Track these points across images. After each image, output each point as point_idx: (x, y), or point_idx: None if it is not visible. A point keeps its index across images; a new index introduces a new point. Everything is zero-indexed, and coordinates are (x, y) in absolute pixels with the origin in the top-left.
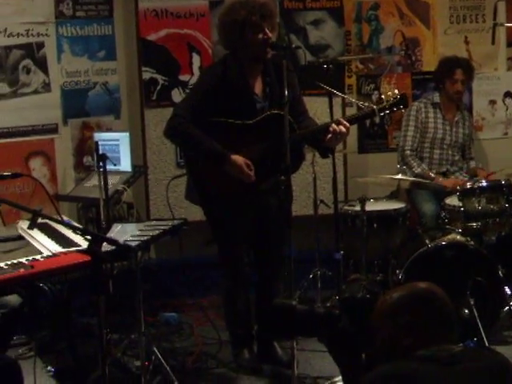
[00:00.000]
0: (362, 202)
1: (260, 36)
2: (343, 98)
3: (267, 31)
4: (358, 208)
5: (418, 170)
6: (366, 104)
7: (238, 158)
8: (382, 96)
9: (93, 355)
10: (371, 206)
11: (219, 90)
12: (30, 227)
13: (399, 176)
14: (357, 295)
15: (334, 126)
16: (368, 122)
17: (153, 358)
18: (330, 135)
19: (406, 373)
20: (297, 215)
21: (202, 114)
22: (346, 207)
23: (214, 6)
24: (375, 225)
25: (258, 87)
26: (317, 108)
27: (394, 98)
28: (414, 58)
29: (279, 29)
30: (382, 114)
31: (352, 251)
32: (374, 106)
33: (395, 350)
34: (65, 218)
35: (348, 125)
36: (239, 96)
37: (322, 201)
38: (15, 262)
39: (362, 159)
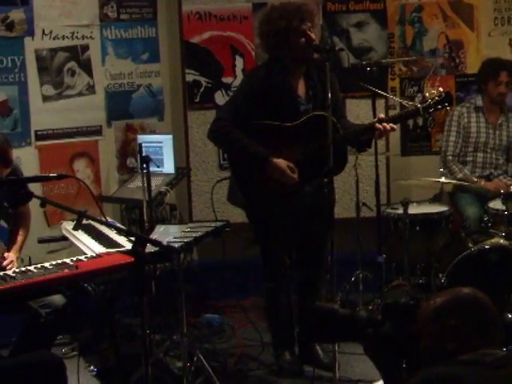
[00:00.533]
0: (405, 204)
1: (303, 39)
2: (386, 101)
3: (309, 33)
4: (400, 211)
5: (460, 176)
6: (411, 103)
7: (281, 162)
8: (426, 94)
9: (135, 355)
10: (414, 209)
11: (262, 93)
12: (75, 228)
13: (442, 179)
14: (400, 300)
15: (377, 125)
16: (411, 124)
17: (195, 359)
18: (377, 133)
19: (452, 376)
20: (339, 218)
21: (245, 116)
22: (388, 210)
23: (257, 9)
24: (418, 228)
25: (301, 90)
26: (360, 111)
27: (438, 96)
28: (457, 61)
29: (322, 31)
30: (426, 112)
31: (394, 254)
32: (419, 105)
33: (439, 354)
34: (109, 220)
35: (394, 126)
36: (283, 98)
37: (364, 203)
38: (59, 262)
39: (404, 162)
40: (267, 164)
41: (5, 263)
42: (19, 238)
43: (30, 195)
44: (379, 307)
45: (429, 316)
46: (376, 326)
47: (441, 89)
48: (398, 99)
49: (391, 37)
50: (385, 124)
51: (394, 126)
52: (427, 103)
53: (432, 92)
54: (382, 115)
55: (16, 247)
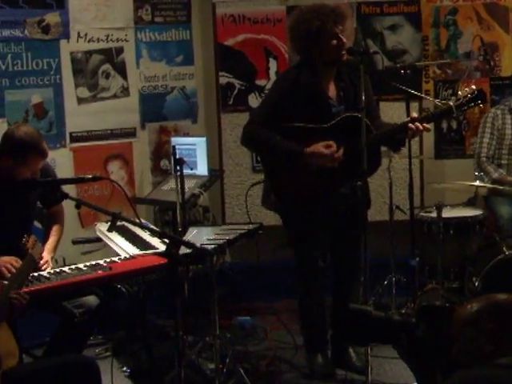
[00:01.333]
0: (439, 208)
1: (334, 42)
2: (420, 103)
3: (341, 37)
4: (434, 214)
5: (496, 175)
6: (444, 101)
7: (314, 146)
8: (459, 92)
9: (168, 357)
10: (448, 213)
11: (293, 96)
12: (110, 230)
13: (477, 183)
14: (436, 304)
15: (410, 125)
16: (445, 127)
17: (227, 361)
18: (410, 133)
19: (489, 379)
20: (372, 221)
21: (276, 119)
22: (422, 213)
23: (291, 11)
24: (451, 231)
25: (332, 91)
26: (393, 113)
27: (471, 94)
28: (492, 63)
29: (356, 34)
30: (459, 110)
31: (428, 258)
32: (451, 103)
33: (476, 357)
34: (142, 221)
35: (427, 126)
36: (314, 100)
37: (397, 207)
38: (93, 263)
39: (438, 165)
40: (303, 155)
41: (40, 264)
42: (53, 238)
43: (65, 196)
44: (412, 311)
45: (466, 319)
46: (410, 329)
47: (473, 86)
48: (431, 99)
49: (425, 39)
50: (417, 124)
51: (428, 126)
52: (460, 101)
53: (465, 90)
54: (415, 114)
55: (50, 247)
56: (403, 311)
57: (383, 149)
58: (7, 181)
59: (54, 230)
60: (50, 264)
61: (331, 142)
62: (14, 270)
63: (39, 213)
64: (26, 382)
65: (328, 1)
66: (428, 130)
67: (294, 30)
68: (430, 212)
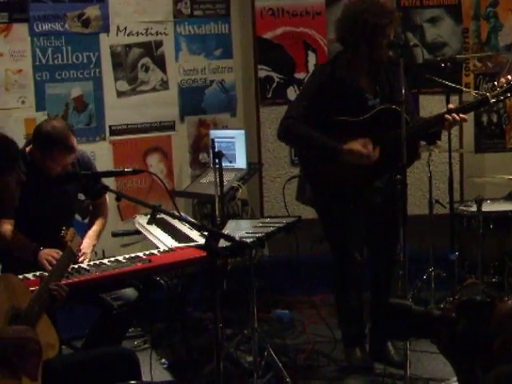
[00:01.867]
0: (479, 202)
1: (386, 41)
2: (460, 97)
3: (391, 36)
4: (474, 208)
5: None
6: (481, 92)
7: (352, 143)
8: (495, 83)
9: (206, 349)
10: (488, 207)
11: (330, 89)
12: (149, 222)
13: None
14: (476, 298)
15: (447, 116)
16: (485, 121)
17: (265, 354)
18: (446, 123)
19: None
20: (411, 215)
21: (312, 113)
22: (461, 207)
23: (331, 4)
24: (491, 226)
25: (367, 85)
26: (433, 107)
27: (508, 84)
28: None
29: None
30: (496, 100)
31: (467, 252)
32: (487, 93)
33: None
34: (182, 214)
35: (464, 116)
36: (349, 94)
37: (437, 200)
38: (133, 255)
39: (478, 159)
40: (340, 152)
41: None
42: (95, 227)
43: (106, 189)
44: (452, 305)
45: (507, 314)
46: (450, 324)
47: (509, 76)
48: (469, 90)
49: (466, 32)
50: (454, 114)
51: (464, 116)
52: (496, 91)
53: (501, 80)
54: (452, 105)
55: (92, 234)
56: (442, 306)
57: (423, 143)
58: (46, 173)
59: (98, 220)
60: (88, 256)
61: (368, 140)
62: (54, 262)
63: (80, 206)
64: (66, 373)
65: None
66: (465, 120)
67: (349, 20)
68: (470, 206)
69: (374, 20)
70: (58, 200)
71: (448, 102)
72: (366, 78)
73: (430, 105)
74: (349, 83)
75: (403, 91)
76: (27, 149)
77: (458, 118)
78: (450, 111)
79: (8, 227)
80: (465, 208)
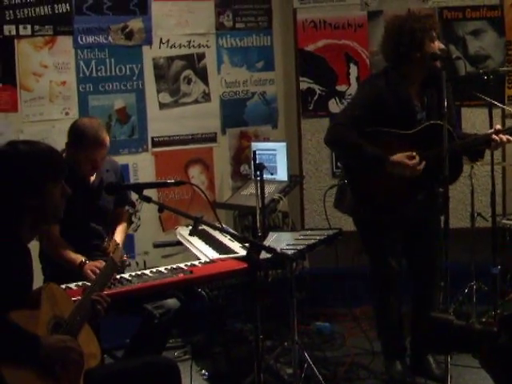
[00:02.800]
0: None
1: (435, 45)
2: (503, 110)
3: (441, 45)
4: None
5: None
6: None
7: (398, 155)
8: None
9: (246, 360)
10: None
11: (381, 102)
12: (191, 234)
13: None
14: None
15: (494, 136)
16: None
17: (305, 366)
18: (493, 144)
19: None
20: (453, 228)
21: (362, 124)
22: (504, 221)
23: (373, 17)
24: None
25: (417, 97)
26: (475, 119)
27: None
28: None
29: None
30: None
31: (510, 266)
32: None
33: None
34: (223, 226)
35: (510, 138)
36: (401, 107)
37: (479, 214)
38: (174, 266)
39: None
40: (386, 162)
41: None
42: (120, 235)
43: (149, 200)
44: (494, 319)
45: None
46: (492, 339)
47: None
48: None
49: (508, 44)
50: (501, 136)
51: (511, 138)
52: None
53: None
54: (499, 126)
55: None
56: (484, 320)
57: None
58: (84, 180)
59: (120, 228)
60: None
61: (414, 154)
62: (98, 272)
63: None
64: (107, 383)
65: (411, 6)
66: (510, 142)
67: (396, 33)
68: None
69: (418, 25)
70: (96, 207)
71: (491, 114)
72: (416, 90)
73: (473, 117)
74: (401, 96)
75: (445, 103)
76: (63, 155)
77: (505, 139)
78: (497, 132)
79: (56, 236)
80: (507, 221)
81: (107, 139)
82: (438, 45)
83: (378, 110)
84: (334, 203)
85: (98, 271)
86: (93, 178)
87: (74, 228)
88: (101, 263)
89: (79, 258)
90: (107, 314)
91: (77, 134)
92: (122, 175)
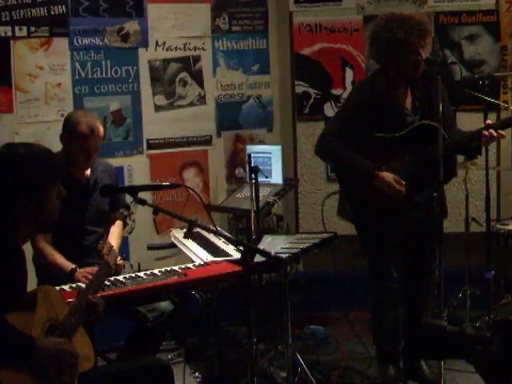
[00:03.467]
0: None
1: (413, 57)
2: (498, 114)
3: (420, 51)
4: (511, 227)
5: None
6: None
7: (387, 175)
8: None
9: (239, 363)
10: None
11: (369, 106)
12: (186, 236)
13: None
14: (510, 318)
15: (485, 131)
16: None
17: (299, 370)
18: (483, 139)
19: None
20: (448, 232)
21: (352, 129)
22: (498, 226)
23: (368, 21)
24: None
25: (407, 101)
26: (471, 124)
27: None
28: None
29: (433, 44)
30: None
31: (504, 271)
32: None
33: None
34: (218, 228)
35: (503, 133)
36: (389, 110)
37: (473, 218)
38: (168, 269)
39: None
40: (374, 178)
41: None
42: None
43: (143, 202)
44: (487, 324)
45: None
46: (485, 344)
47: None
48: (510, 106)
49: (504, 49)
50: (491, 130)
51: (503, 132)
52: None
53: None
54: (490, 121)
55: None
56: (477, 324)
57: (460, 160)
58: (77, 181)
59: (116, 232)
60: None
61: (400, 178)
62: (90, 277)
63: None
64: None
65: (407, 11)
66: (503, 136)
67: (377, 37)
68: (507, 224)
69: (400, 34)
70: (89, 208)
71: (486, 119)
72: (406, 94)
73: (468, 122)
74: (388, 99)
75: (440, 109)
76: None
77: (495, 134)
78: (488, 127)
79: (44, 243)
80: (501, 226)
81: (101, 130)
82: (417, 57)
83: (365, 116)
84: (337, 211)
85: (89, 276)
86: (88, 173)
87: (68, 229)
88: (92, 269)
89: (70, 265)
90: (102, 316)
91: (70, 123)
92: (116, 178)
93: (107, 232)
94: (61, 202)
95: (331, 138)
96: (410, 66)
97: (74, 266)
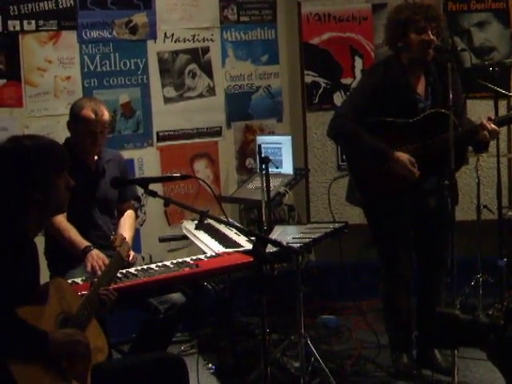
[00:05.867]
0: None
1: (422, 37)
2: (508, 101)
3: (430, 33)
4: None
5: None
6: None
7: (402, 155)
8: None
9: (252, 354)
10: None
11: (381, 90)
12: (197, 228)
13: None
14: None
15: (484, 122)
16: None
17: (311, 359)
18: (484, 132)
19: None
20: (459, 220)
21: (364, 113)
22: (510, 213)
23: (377, 9)
24: None
25: (420, 87)
26: (481, 112)
27: None
28: None
29: (443, 31)
30: None
31: None
32: None
33: None
34: (229, 220)
35: (495, 128)
36: (401, 95)
37: (485, 206)
38: (180, 260)
39: None
40: (389, 158)
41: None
42: (129, 234)
43: (154, 194)
44: (500, 312)
45: None
46: (498, 332)
47: None
48: None
49: None
50: (484, 122)
51: (494, 128)
52: None
53: None
54: (491, 116)
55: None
56: (490, 312)
57: (470, 148)
58: (85, 166)
59: (128, 224)
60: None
61: (414, 161)
62: (103, 268)
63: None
64: (114, 378)
65: None
66: (496, 131)
67: (388, 19)
68: None
69: (407, 17)
70: (99, 195)
71: (496, 106)
72: (420, 79)
73: (478, 109)
74: (400, 84)
75: (451, 96)
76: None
77: (489, 127)
78: (489, 119)
79: (61, 218)
80: None
81: (106, 113)
82: (425, 37)
83: (378, 99)
84: (346, 197)
85: (99, 266)
86: (95, 159)
87: (77, 217)
88: (104, 260)
89: (85, 242)
90: (115, 308)
91: (76, 107)
92: (125, 169)
93: (117, 223)
94: (76, 192)
95: (345, 119)
96: (418, 48)
97: (89, 244)
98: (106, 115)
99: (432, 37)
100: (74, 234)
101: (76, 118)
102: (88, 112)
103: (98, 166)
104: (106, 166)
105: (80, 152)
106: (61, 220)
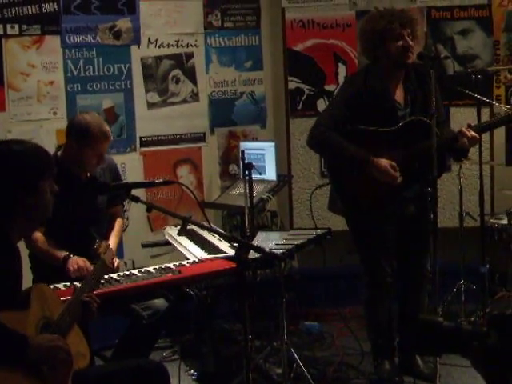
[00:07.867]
0: (510, 215)
1: (400, 43)
2: (491, 109)
3: (407, 38)
4: (504, 221)
5: None
6: (506, 108)
7: (382, 160)
8: None
9: (235, 360)
10: None
11: (360, 98)
12: (180, 233)
13: None
14: (507, 311)
15: (463, 129)
16: None
17: (294, 366)
18: (463, 139)
19: None
20: (442, 227)
21: (343, 122)
22: (492, 220)
23: (361, 16)
24: None
25: (399, 95)
26: (464, 119)
27: None
28: None
29: (426, 39)
30: None
31: (498, 265)
32: (510, 111)
33: None
34: (212, 225)
35: (475, 135)
36: (380, 104)
37: (467, 213)
38: (163, 266)
39: (509, 171)
40: (369, 164)
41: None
42: (114, 239)
43: (137, 200)
44: (483, 319)
45: None
46: (481, 339)
47: None
48: (503, 106)
49: (497, 44)
50: (464, 129)
51: (473, 134)
52: None
53: None
54: (470, 122)
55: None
56: (473, 319)
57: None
58: (77, 179)
59: (114, 230)
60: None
61: (395, 165)
62: (88, 267)
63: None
64: None
65: (399, 6)
66: (475, 138)
67: (362, 30)
68: (501, 219)
69: (382, 27)
70: (88, 206)
71: (479, 114)
72: (398, 88)
73: (461, 117)
74: (380, 92)
75: (433, 103)
76: (59, 153)
77: (468, 134)
78: (468, 127)
79: (39, 234)
80: (495, 221)
81: (110, 131)
82: (402, 43)
83: (358, 107)
84: (328, 206)
85: (80, 269)
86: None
87: (63, 229)
88: (84, 261)
89: (63, 252)
90: (97, 314)
91: (81, 129)
92: (117, 172)
93: (109, 227)
94: (56, 197)
95: (323, 128)
96: (397, 54)
97: (67, 253)
98: (110, 132)
99: (410, 42)
100: (51, 246)
101: (83, 141)
102: (98, 135)
103: (90, 175)
104: (98, 175)
105: (80, 167)
106: (38, 236)
